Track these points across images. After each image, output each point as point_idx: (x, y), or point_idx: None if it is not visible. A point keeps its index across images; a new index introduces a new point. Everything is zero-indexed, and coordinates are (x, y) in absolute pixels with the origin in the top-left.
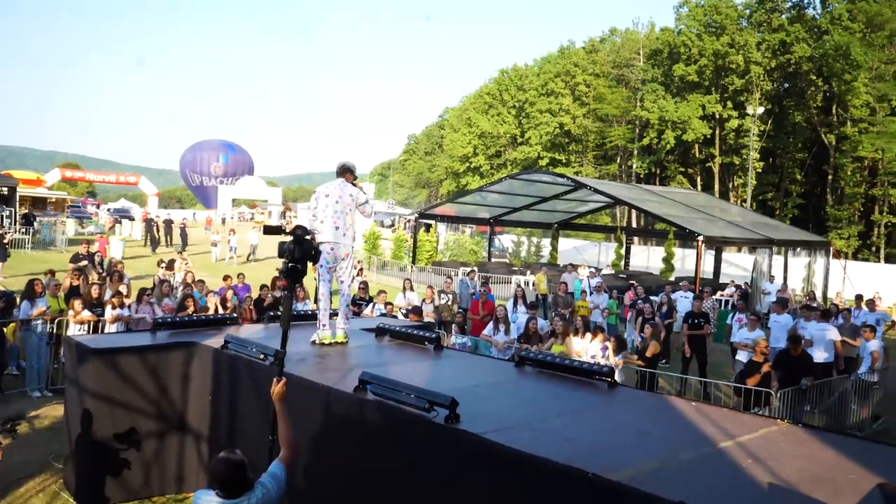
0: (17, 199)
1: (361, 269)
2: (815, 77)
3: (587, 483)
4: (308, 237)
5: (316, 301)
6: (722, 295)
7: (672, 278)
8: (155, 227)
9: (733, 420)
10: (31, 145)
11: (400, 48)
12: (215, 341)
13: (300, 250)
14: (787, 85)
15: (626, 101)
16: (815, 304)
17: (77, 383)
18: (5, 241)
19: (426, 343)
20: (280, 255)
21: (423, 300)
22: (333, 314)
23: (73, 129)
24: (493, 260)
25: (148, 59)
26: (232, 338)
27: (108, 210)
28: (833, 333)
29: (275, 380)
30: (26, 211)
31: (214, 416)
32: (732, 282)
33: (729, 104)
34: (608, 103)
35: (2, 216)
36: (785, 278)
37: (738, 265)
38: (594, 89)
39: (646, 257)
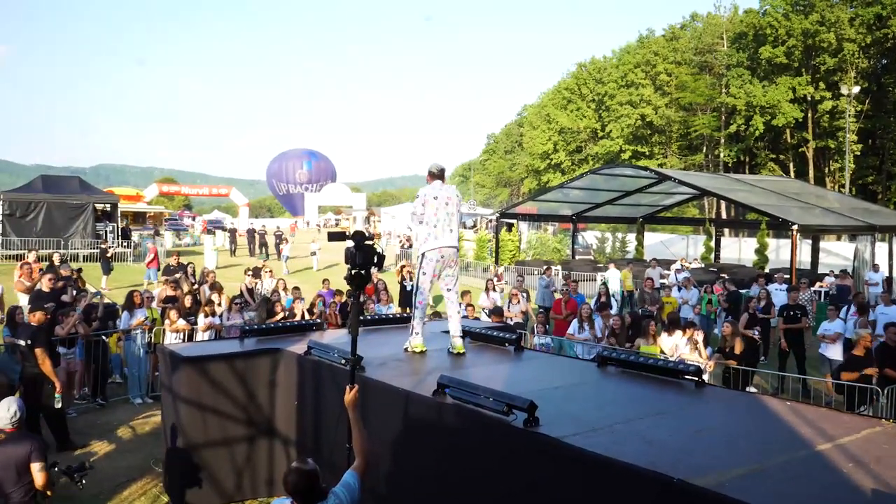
0: (119, 215)
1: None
2: None
3: (672, 488)
4: (369, 242)
5: (402, 306)
6: (821, 286)
7: (766, 270)
8: (249, 237)
9: (831, 420)
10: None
11: (476, 46)
12: (299, 347)
13: (361, 256)
14: (884, 61)
15: (711, 88)
16: None
17: (171, 390)
18: (109, 255)
19: (506, 344)
20: (346, 262)
21: (510, 301)
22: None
23: (168, 145)
24: (577, 257)
25: (233, 72)
26: (314, 343)
27: (204, 222)
28: None
29: (347, 387)
30: (123, 226)
31: (300, 421)
32: (832, 272)
33: (821, 85)
34: (691, 91)
35: (105, 231)
36: (890, 266)
37: (838, 254)
38: (676, 78)
39: (737, 249)
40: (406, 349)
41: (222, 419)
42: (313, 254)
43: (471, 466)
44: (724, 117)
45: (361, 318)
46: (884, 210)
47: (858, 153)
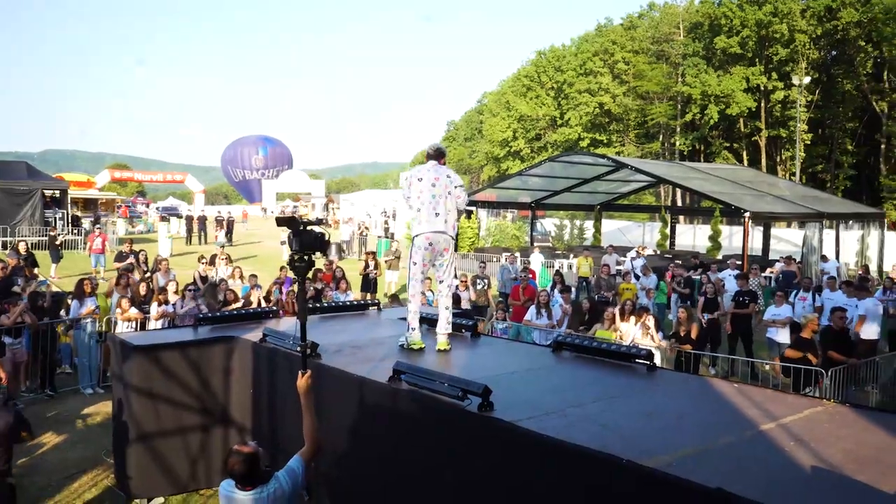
0: (69, 202)
1: (373, 255)
2: (863, 43)
3: (622, 470)
4: (311, 227)
5: (362, 292)
6: (771, 272)
7: (719, 257)
8: (200, 224)
9: (776, 401)
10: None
11: (436, 33)
12: (255, 335)
13: (298, 242)
14: (834, 53)
15: (667, 77)
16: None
17: (122, 380)
18: (58, 242)
19: (462, 331)
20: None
21: (458, 287)
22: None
23: (120, 131)
24: (535, 244)
25: (186, 58)
26: (270, 331)
27: (157, 209)
28: (866, 307)
29: (300, 373)
30: (74, 213)
31: (256, 408)
32: (781, 258)
33: (774, 75)
34: (648, 80)
35: (54, 218)
36: (837, 252)
37: (788, 241)
38: (633, 66)
39: (692, 236)
40: (401, 345)
41: (175, 408)
42: (283, 243)
43: (428, 452)
44: (680, 106)
45: (319, 305)
46: (832, 198)
47: (809, 142)
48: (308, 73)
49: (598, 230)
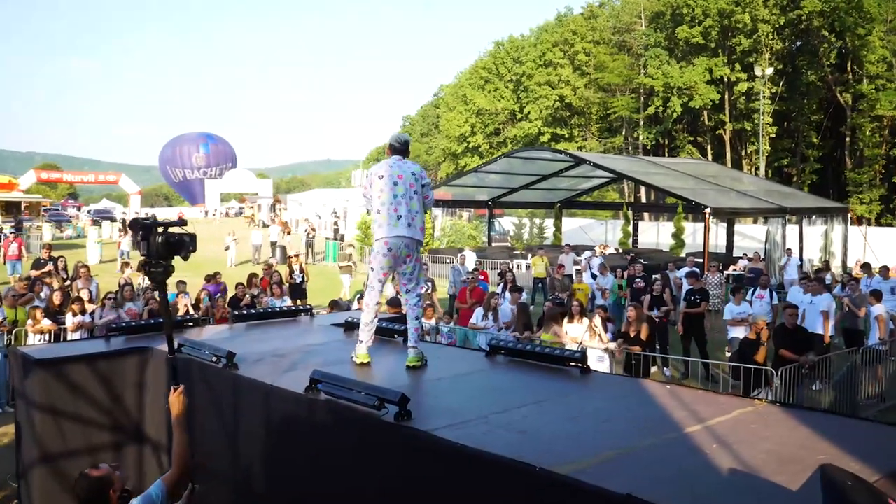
0: None
1: (298, 257)
2: (827, 33)
3: (534, 478)
4: (161, 228)
5: (292, 299)
6: (735, 269)
7: (683, 254)
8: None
9: (707, 402)
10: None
11: (389, 23)
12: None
13: (146, 247)
14: (798, 43)
15: (629, 69)
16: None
17: (24, 397)
18: None
19: (395, 336)
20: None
21: (397, 292)
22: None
23: (52, 129)
24: (493, 244)
25: (126, 53)
26: (186, 340)
27: (89, 212)
28: (824, 304)
29: (172, 388)
30: None
31: (170, 424)
32: (745, 255)
33: (737, 66)
34: (610, 72)
35: None
36: (801, 248)
37: (753, 237)
38: (594, 58)
39: (656, 234)
40: (352, 359)
41: (84, 426)
42: (227, 248)
43: (346, 465)
44: (642, 99)
45: (246, 312)
46: (797, 193)
47: (774, 136)
48: (254, 67)
49: (558, 229)
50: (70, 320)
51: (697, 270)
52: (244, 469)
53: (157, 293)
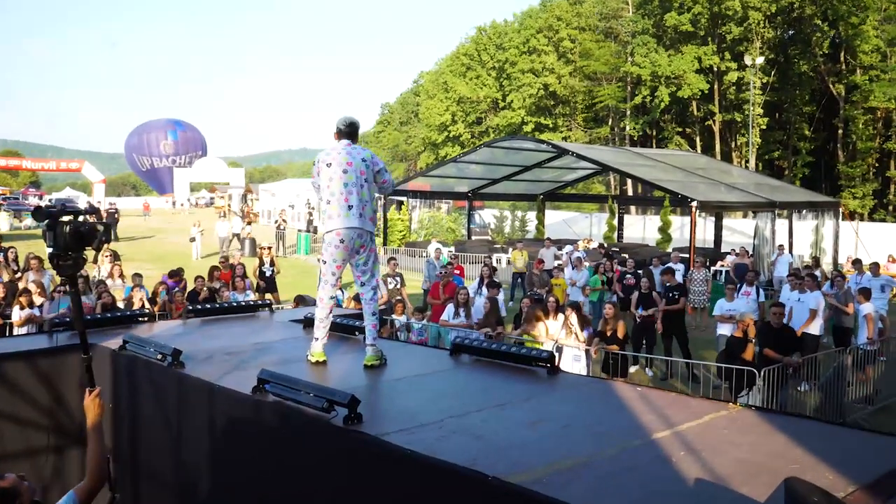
0: None
1: (269, 249)
2: (820, 21)
3: (487, 487)
4: (67, 217)
5: (260, 293)
6: (723, 265)
7: (670, 249)
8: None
9: (679, 406)
10: None
11: (368, 6)
12: (116, 342)
13: (52, 237)
14: (791, 32)
15: (616, 57)
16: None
17: None
18: None
19: (356, 333)
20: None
21: None
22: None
23: (12, 115)
24: (473, 238)
25: (100, 35)
26: (131, 337)
27: (50, 200)
28: (812, 302)
29: (87, 390)
30: None
31: (116, 426)
32: (733, 250)
33: (727, 55)
34: (596, 59)
35: None
36: (790, 244)
37: (742, 232)
38: (580, 45)
39: (642, 228)
40: (307, 358)
41: (23, 428)
42: (192, 240)
43: (295, 470)
44: (629, 88)
45: (201, 307)
46: (788, 186)
47: (765, 127)
48: (227, 52)
49: (541, 222)
50: (17, 314)
51: (674, 266)
52: (189, 473)
53: (68, 287)
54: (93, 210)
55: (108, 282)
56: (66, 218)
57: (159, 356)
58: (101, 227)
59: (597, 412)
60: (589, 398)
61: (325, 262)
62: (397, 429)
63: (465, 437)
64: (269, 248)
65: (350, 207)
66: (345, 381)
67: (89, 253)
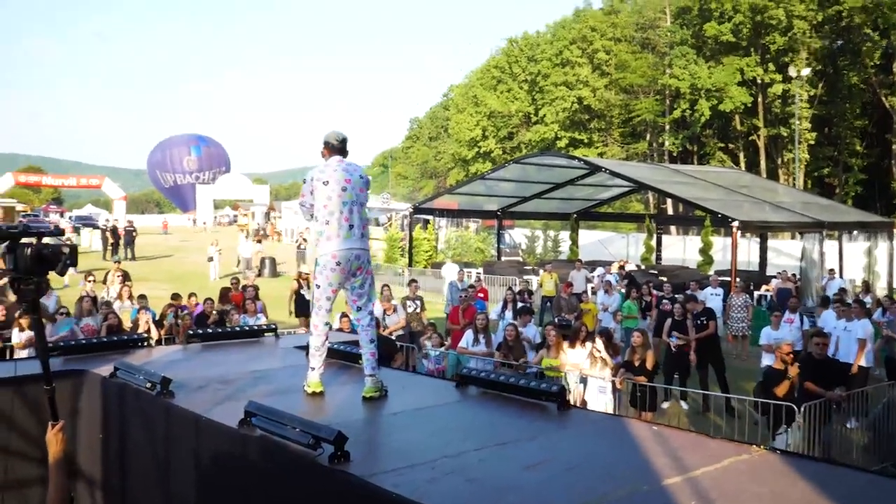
0: None
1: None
2: (870, 31)
3: None
4: (30, 239)
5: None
6: (767, 289)
7: (711, 272)
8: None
9: (696, 447)
10: None
11: (396, 19)
12: (109, 368)
13: (13, 260)
14: (839, 42)
15: (653, 69)
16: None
17: None
18: None
19: (359, 362)
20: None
21: (385, 312)
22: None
23: (35, 130)
24: (503, 258)
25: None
26: (122, 364)
27: (70, 218)
28: (860, 330)
29: (49, 424)
30: None
31: (106, 457)
32: (779, 274)
33: (771, 66)
34: (632, 72)
35: None
36: (840, 267)
37: (789, 254)
38: (615, 56)
39: (682, 249)
40: (304, 388)
41: (9, 457)
42: (210, 259)
43: None
44: (668, 101)
45: (202, 332)
46: (838, 206)
47: (813, 142)
48: (252, 66)
49: (574, 242)
50: (16, 336)
51: (714, 290)
52: None
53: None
54: (57, 232)
55: (117, 303)
56: (26, 240)
57: (148, 384)
58: (66, 250)
59: (605, 453)
60: (599, 437)
61: (318, 287)
62: (386, 469)
63: (457, 478)
64: (308, 274)
65: (351, 227)
66: (339, 413)
67: (99, 273)
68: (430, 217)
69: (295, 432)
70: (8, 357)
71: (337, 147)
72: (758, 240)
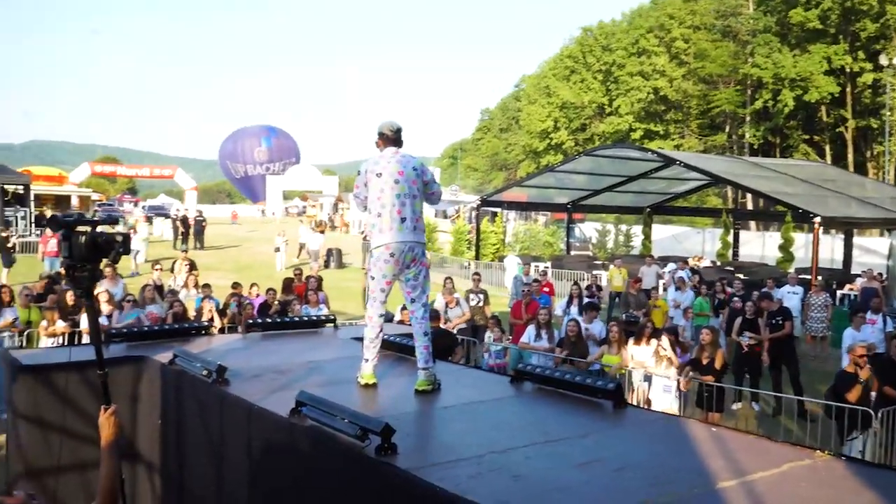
0: (32, 199)
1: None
2: None
3: None
4: (84, 227)
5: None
6: (851, 288)
7: (791, 270)
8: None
9: (755, 451)
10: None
11: (468, 7)
12: (168, 355)
13: (67, 248)
14: None
15: (734, 58)
16: None
17: (11, 405)
18: (10, 245)
19: (413, 355)
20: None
21: (447, 304)
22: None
23: (113, 120)
24: (572, 252)
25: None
26: (181, 351)
27: (143, 208)
28: None
29: (102, 408)
30: (42, 212)
31: (164, 442)
32: (864, 272)
33: (861, 55)
34: (711, 61)
35: (15, 217)
36: None
37: (877, 252)
38: (694, 45)
39: (761, 245)
40: (357, 380)
41: (73, 440)
42: (277, 250)
43: (329, 500)
44: (749, 92)
45: (261, 321)
46: None
47: None
48: (321, 56)
49: (647, 237)
50: (85, 322)
51: (792, 288)
52: (229, 494)
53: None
54: (112, 220)
55: (183, 292)
56: (81, 228)
57: (205, 372)
58: (119, 238)
59: (659, 454)
60: (654, 437)
61: (373, 279)
62: (431, 462)
63: (502, 475)
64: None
65: (403, 220)
66: (390, 406)
67: (165, 262)
68: (498, 210)
69: (343, 423)
70: (77, 342)
71: (391, 138)
72: (842, 237)
